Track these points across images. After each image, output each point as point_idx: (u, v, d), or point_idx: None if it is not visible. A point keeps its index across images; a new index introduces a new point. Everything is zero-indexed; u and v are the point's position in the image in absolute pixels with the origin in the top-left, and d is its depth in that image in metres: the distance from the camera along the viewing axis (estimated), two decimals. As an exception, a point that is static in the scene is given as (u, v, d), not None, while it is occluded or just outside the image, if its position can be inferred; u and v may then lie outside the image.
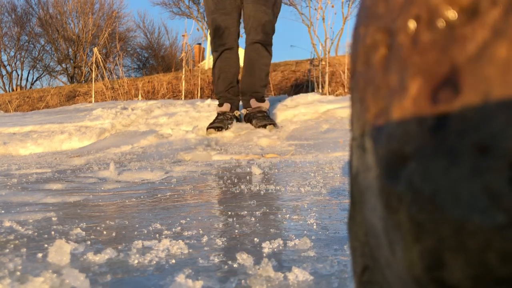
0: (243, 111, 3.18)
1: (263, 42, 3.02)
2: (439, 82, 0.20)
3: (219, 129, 2.98)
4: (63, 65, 16.17)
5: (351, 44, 0.28)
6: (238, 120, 3.23)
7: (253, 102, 3.09)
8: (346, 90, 5.64)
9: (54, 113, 5.36)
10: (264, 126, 2.97)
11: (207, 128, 2.99)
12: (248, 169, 1.61)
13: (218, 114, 3.13)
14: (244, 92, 3.14)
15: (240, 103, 3.26)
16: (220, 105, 3.13)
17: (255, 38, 3.00)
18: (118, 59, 7.64)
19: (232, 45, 3.07)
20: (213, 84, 3.20)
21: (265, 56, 3.08)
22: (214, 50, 3.07)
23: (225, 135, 3.00)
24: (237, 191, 1.16)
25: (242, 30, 3.25)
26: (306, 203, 0.96)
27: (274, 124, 3.01)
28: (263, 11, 2.99)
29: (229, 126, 3.07)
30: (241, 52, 3.18)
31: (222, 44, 3.04)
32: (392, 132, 0.22)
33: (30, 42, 17.57)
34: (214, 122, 3.06)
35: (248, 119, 3.14)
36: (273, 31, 3.07)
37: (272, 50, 3.15)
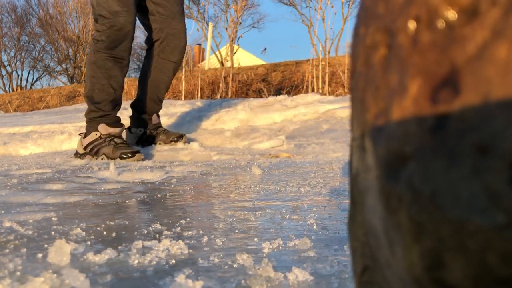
0: (138, 131, 2.69)
1: (178, 64, 2.71)
2: (439, 82, 0.20)
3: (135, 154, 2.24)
4: (63, 65, 16.17)
5: (351, 44, 0.28)
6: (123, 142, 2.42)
7: (154, 118, 2.68)
8: (346, 90, 5.65)
9: (54, 113, 5.36)
10: (176, 141, 2.60)
11: (124, 156, 2.22)
12: (248, 169, 1.61)
13: (114, 136, 2.36)
14: (142, 111, 2.68)
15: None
16: (113, 125, 2.39)
17: (171, 59, 2.64)
18: (118, 59, 7.62)
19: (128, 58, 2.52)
20: (91, 95, 2.38)
21: (172, 79, 2.72)
22: (106, 48, 2.34)
23: (225, 135, 2.98)
24: (237, 191, 1.16)
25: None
26: (306, 203, 0.96)
27: (183, 135, 2.65)
28: (185, 31, 2.66)
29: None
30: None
31: (125, 50, 2.40)
32: (392, 132, 0.22)
33: (30, 43, 17.58)
34: (123, 146, 2.32)
35: (148, 136, 2.66)
36: None
37: None
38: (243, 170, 1.62)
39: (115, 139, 2.34)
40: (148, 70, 2.68)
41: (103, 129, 2.35)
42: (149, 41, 2.68)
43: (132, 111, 2.72)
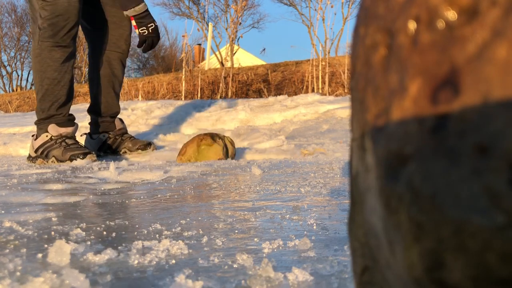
0: (101, 136, 2.50)
1: (126, 55, 2.52)
2: (439, 82, 0.20)
3: (87, 154, 2.10)
4: (63, 65, 16.14)
5: (351, 45, 0.28)
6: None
7: (118, 123, 2.50)
8: (346, 91, 5.65)
9: (54, 113, 5.34)
10: (143, 149, 2.41)
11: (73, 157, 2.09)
12: (248, 169, 1.61)
13: (66, 137, 2.21)
14: (104, 113, 2.48)
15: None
16: (64, 124, 2.23)
17: (117, 49, 2.46)
18: (118, 59, 7.62)
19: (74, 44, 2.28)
20: (41, 91, 2.21)
21: (123, 71, 2.54)
22: (50, 36, 2.15)
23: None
24: (237, 191, 1.16)
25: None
26: (306, 203, 0.96)
27: (151, 143, 2.47)
28: (128, 18, 2.41)
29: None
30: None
31: (70, 36, 2.19)
32: (392, 133, 0.22)
33: (30, 43, 17.57)
34: (74, 147, 2.16)
35: (112, 143, 2.48)
36: None
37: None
38: (243, 170, 1.62)
39: (67, 140, 2.19)
40: (96, 66, 2.48)
41: (54, 130, 2.20)
42: (90, 34, 2.49)
43: (91, 116, 2.54)
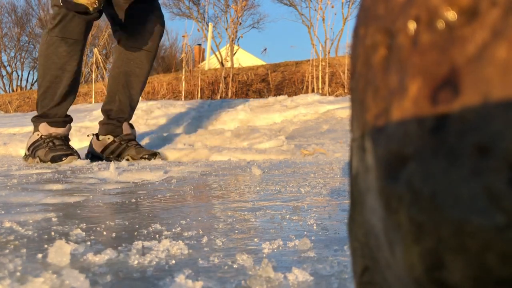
0: (106, 138, 2.33)
1: (153, 53, 2.33)
2: (439, 82, 0.20)
3: (70, 154, 2.08)
4: (63, 65, 16.13)
5: (351, 45, 0.28)
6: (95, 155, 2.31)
7: (126, 127, 2.33)
8: (346, 91, 5.65)
9: (54, 113, 5.34)
10: (148, 159, 2.21)
11: (55, 159, 2.06)
12: (248, 169, 1.61)
13: (55, 137, 2.16)
14: (113, 115, 2.34)
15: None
16: (56, 124, 2.19)
17: (142, 46, 2.28)
18: (118, 59, 7.61)
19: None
20: (42, 88, 2.18)
21: (147, 71, 2.35)
22: (59, 31, 2.08)
23: (224, 135, 2.98)
24: (237, 191, 1.16)
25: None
26: (306, 203, 0.96)
27: (157, 153, 2.26)
28: (158, 15, 2.32)
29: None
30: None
31: (80, 31, 2.11)
32: (392, 133, 0.22)
33: (30, 43, 17.61)
34: (60, 148, 2.12)
35: (116, 148, 2.32)
36: None
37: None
38: (243, 170, 1.62)
39: (54, 140, 2.15)
40: (116, 63, 2.33)
41: (44, 129, 2.16)
42: (116, 33, 2.34)
43: (103, 115, 2.41)
